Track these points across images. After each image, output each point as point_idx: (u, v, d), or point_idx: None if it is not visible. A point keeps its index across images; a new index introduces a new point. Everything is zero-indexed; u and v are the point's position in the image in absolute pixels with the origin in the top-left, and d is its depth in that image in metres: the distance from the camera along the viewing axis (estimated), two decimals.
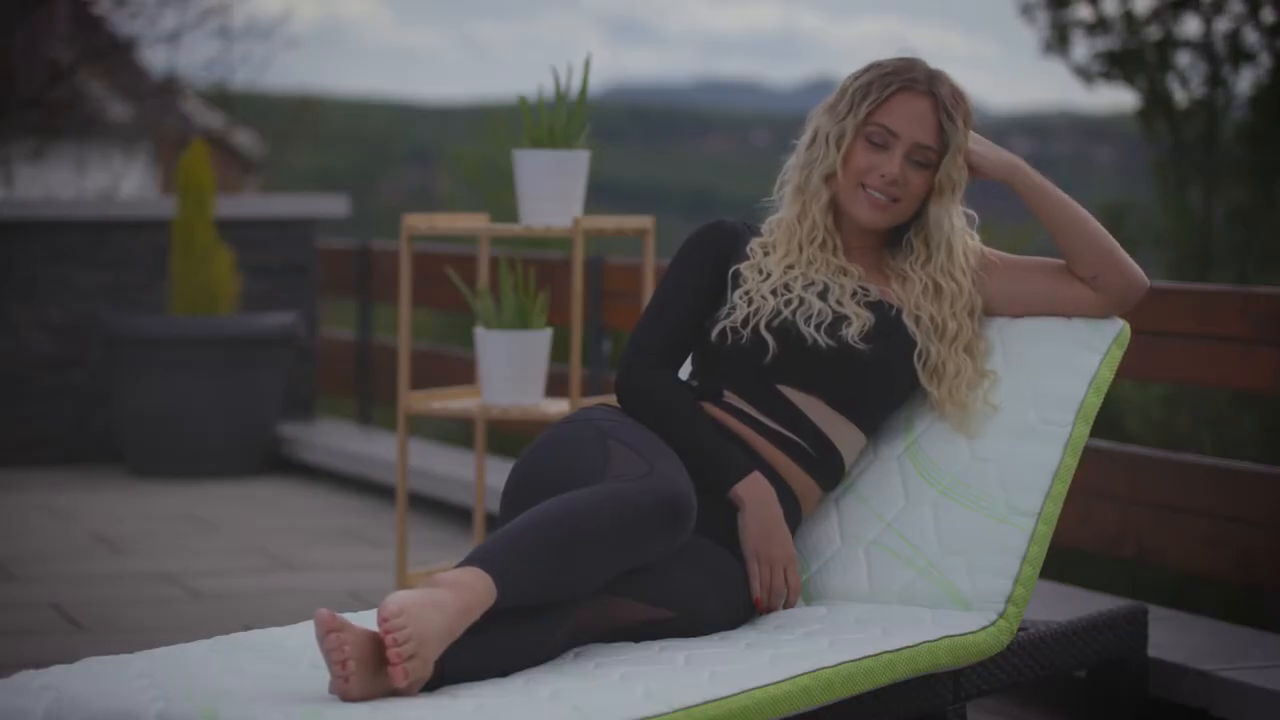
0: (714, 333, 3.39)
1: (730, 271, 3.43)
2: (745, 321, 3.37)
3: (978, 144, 3.46)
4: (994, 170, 3.45)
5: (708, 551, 3.24)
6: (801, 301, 3.38)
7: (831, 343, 3.36)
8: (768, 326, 3.36)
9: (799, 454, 3.39)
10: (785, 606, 3.35)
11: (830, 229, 3.45)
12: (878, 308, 3.42)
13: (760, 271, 3.42)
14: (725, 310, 3.40)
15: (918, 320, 3.44)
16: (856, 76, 3.45)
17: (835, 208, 3.46)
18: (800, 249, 3.43)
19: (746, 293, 3.40)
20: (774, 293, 3.39)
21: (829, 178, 3.44)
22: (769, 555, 3.32)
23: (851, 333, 3.36)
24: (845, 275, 3.44)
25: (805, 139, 3.48)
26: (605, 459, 3.15)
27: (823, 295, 3.40)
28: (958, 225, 3.46)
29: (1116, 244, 3.45)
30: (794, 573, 3.34)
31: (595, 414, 3.31)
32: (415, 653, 2.78)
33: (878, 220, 3.42)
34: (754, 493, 3.32)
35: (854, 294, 3.42)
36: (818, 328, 3.36)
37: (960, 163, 3.42)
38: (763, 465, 3.37)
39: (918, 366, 3.43)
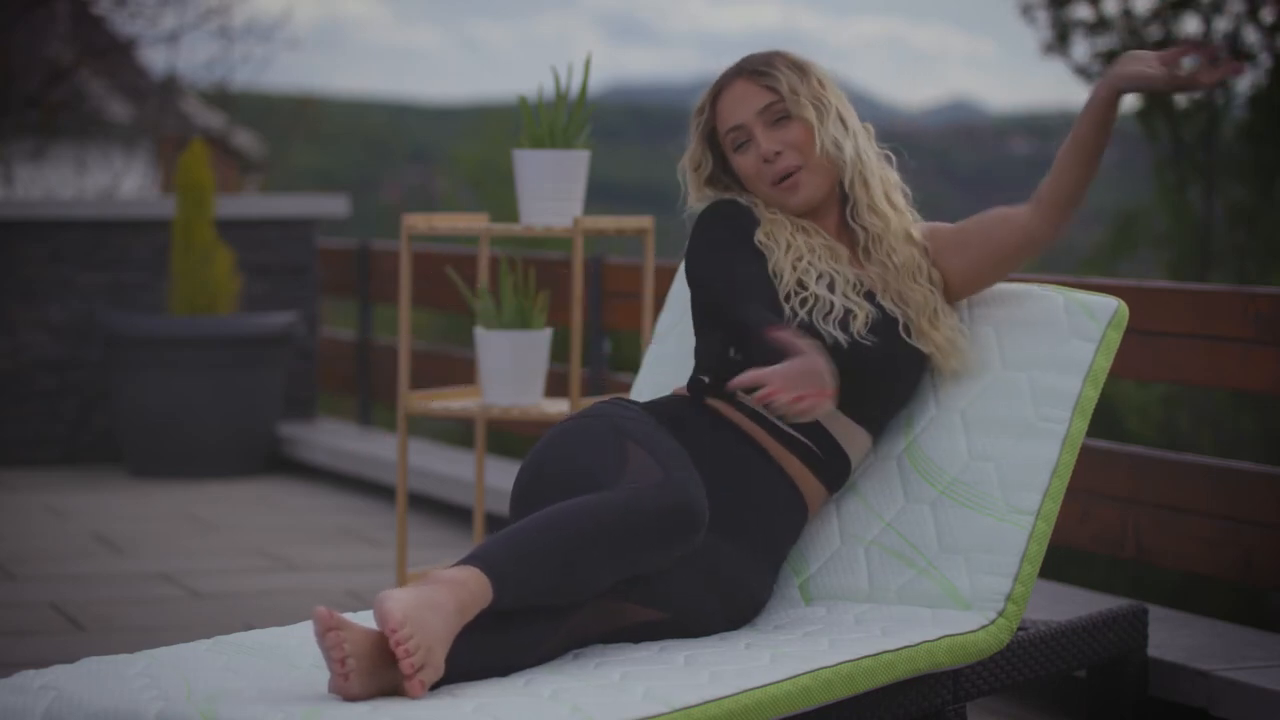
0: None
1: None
2: None
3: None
4: (1111, 75, 3.37)
5: (708, 550, 3.22)
6: (817, 299, 3.37)
7: (845, 338, 3.35)
8: None
9: (808, 456, 3.38)
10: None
11: (795, 221, 3.46)
12: (870, 298, 3.43)
13: (775, 274, 3.40)
14: None
15: (884, 290, 3.44)
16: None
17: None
18: (794, 236, 3.43)
19: None
20: (786, 297, 3.37)
21: (745, 191, 3.48)
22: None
23: (858, 326, 3.36)
24: (836, 259, 3.44)
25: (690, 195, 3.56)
26: (623, 461, 3.11)
27: (831, 287, 3.40)
28: (847, 147, 3.43)
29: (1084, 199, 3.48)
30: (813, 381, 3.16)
31: (611, 410, 3.27)
32: (426, 661, 2.78)
33: (801, 197, 3.44)
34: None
35: (854, 285, 3.42)
36: (834, 324, 3.35)
37: (803, 100, 3.40)
38: (772, 465, 3.36)
39: (911, 340, 3.43)
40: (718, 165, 3.53)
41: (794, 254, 3.41)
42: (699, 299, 3.42)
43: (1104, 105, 3.38)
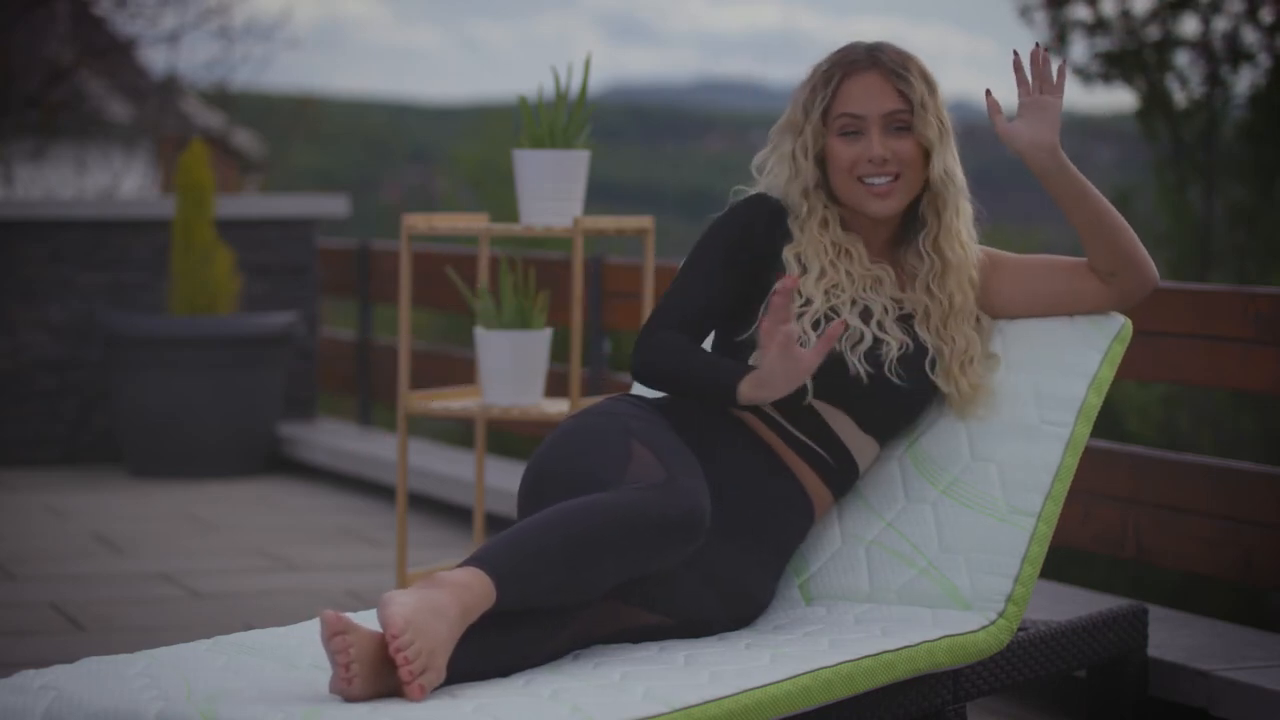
0: (752, 358, 3.34)
1: (769, 296, 3.29)
2: None
3: (1023, 120, 3.38)
4: (1029, 148, 3.36)
5: (712, 553, 3.22)
6: (847, 327, 3.34)
7: (871, 370, 3.33)
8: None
9: (820, 465, 3.37)
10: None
11: (842, 239, 3.39)
12: (906, 322, 3.41)
13: (799, 296, 3.34)
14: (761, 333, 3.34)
15: (928, 321, 3.41)
16: (802, 88, 3.43)
17: (839, 214, 3.41)
18: (833, 265, 3.37)
19: None
20: (815, 325, 3.33)
21: (812, 189, 3.40)
22: (781, 384, 3.23)
23: (889, 360, 3.34)
24: (880, 286, 3.40)
25: (769, 159, 3.44)
26: (626, 460, 3.10)
27: (865, 317, 3.36)
28: (958, 178, 3.39)
29: (1138, 240, 3.42)
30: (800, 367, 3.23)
31: (619, 407, 3.26)
32: (427, 665, 2.78)
33: (890, 206, 3.37)
34: (754, 390, 3.22)
35: (888, 310, 3.38)
36: (861, 356, 3.32)
37: (930, 120, 3.35)
38: (782, 469, 3.36)
39: (932, 375, 3.40)
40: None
41: (827, 281, 3.36)
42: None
43: (1047, 181, 3.38)
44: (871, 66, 3.38)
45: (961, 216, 3.42)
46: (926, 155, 3.38)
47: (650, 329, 3.34)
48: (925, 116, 3.35)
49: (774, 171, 3.44)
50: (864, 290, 3.37)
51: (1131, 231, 3.42)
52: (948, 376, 3.41)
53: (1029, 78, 3.38)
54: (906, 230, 3.47)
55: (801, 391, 3.31)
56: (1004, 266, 3.52)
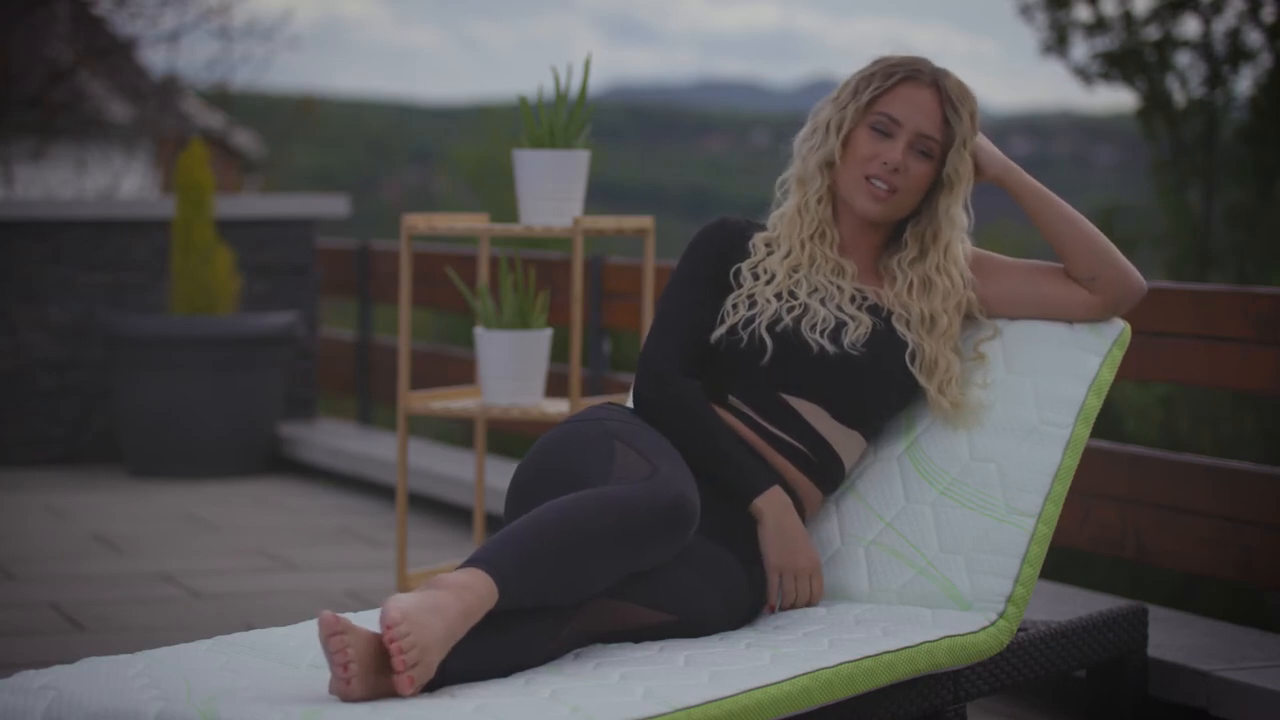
0: (713, 336, 3.39)
1: (732, 271, 3.44)
2: (746, 323, 3.37)
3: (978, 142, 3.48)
4: (988, 167, 3.46)
5: (709, 552, 3.23)
6: (806, 309, 3.38)
7: (834, 349, 3.36)
8: (768, 329, 3.36)
9: (802, 460, 3.38)
10: (809, 605, 3.37)
11: (828, 220, 3.45)
12: (875, 311, 3.43)
13: (764, 272, 3.41)
14: (727, 312, 3.40)
15: (907, 322, 3.44)
16: (860, 73, 3.47)
17: (834, 199, 3.46)
18: (802, 245, 3.43)
19: (750, 295, 3.40)
20: (778, 296, 3.39)
21: (828, 165, 3.44)
22: (794, 566, 3.32)
23: (852, 338, 3.36)
24: (842, 275, 3.44)
25: (806, 130, 3.49)
26: (610, 460, 3.14)
27: (825, 301, 3.40)
28: (959, 221, 3.45)
29: (1113, 246, 3.46)
30: (818, 578, 3.35)
31: (602, 413, 3.30)
32: (419, 660, 2.79)
33: (876, 211, 3.41)
34: (773, 506, 3.32)
35: (853, 298, 3.42)
36: (821, 334, 3.36)
37: (966, 157, 3.41)
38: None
39: (912, 367, 3.42)
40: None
41: (792, 261, 3.42)
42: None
43: (1011, 192, 3.49)
44: (931, 84, 3.42)
45: (950, 251, 3.45)
46: (933, 188, 3.43)
47: (666, 362, 3.37)
48: (961, 154, 3.41)
49: (805, 137, 3.49)
50: (825, 276, 3.41)
51: (1102, 236, 3.46)
52: (929, 377, 3.43)
53: None
54: (889, 250, 3.51)
55: (761, 350, 3.36)
56: (991, 270, 3.54)
